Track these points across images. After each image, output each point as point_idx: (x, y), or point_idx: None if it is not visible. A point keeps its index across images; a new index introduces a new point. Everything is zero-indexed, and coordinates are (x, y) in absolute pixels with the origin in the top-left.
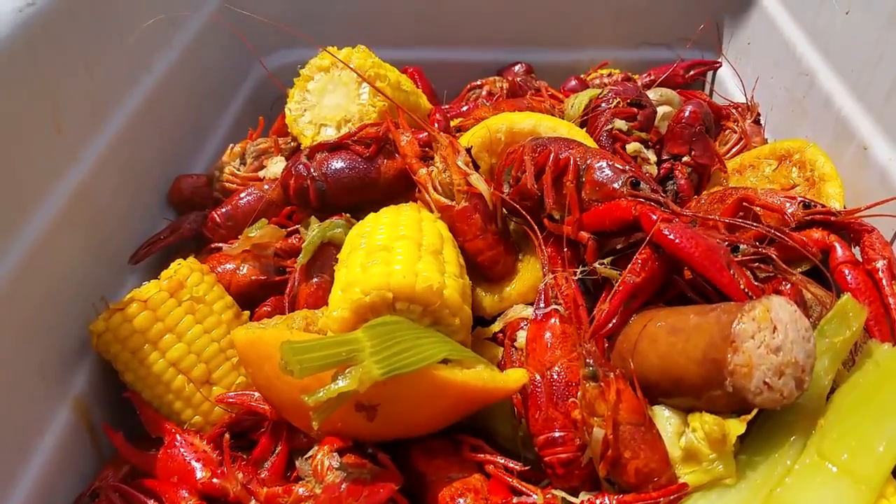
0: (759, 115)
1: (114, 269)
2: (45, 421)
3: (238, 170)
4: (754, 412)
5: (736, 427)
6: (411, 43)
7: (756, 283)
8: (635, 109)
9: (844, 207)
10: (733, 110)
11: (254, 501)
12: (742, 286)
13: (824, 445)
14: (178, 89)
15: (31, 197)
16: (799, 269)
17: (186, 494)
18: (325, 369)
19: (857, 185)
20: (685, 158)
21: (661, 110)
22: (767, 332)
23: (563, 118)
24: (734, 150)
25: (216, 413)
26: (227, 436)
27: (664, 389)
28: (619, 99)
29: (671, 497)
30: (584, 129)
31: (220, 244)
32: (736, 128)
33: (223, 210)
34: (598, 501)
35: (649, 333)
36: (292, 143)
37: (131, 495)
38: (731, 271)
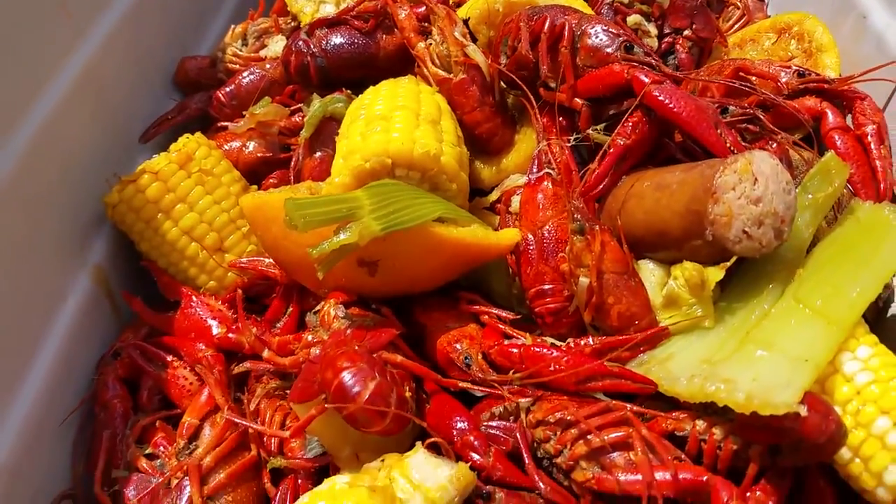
0: None
1: (124, 147)
2: (66, 288)
3: (240, 51)
4: (733, 259)
5: (715, 273)
6: None
7: (743, 144)
8: None
9: (846, 76)
10: None
11: (267, 350)
12: (728, 144)
13: (801, 292)
14: None
15: (40, 76)
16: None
17: (204, 347)
18: (327, 224)
19: (854, 55)
20: (686, 32)
21: None
22: (748, 184)
23: None
24: (736, 25)
25: (229, 278)
26: (239, 291)
27: (649, 244)
28: None
29: (651, 338)
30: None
31: (226, 123)
32: (739, 4)
33: (227, 90)
34: (582, 342)
35: (636, 192)
36: (292, 23)
37: (151, 351)
38: (719, 130)
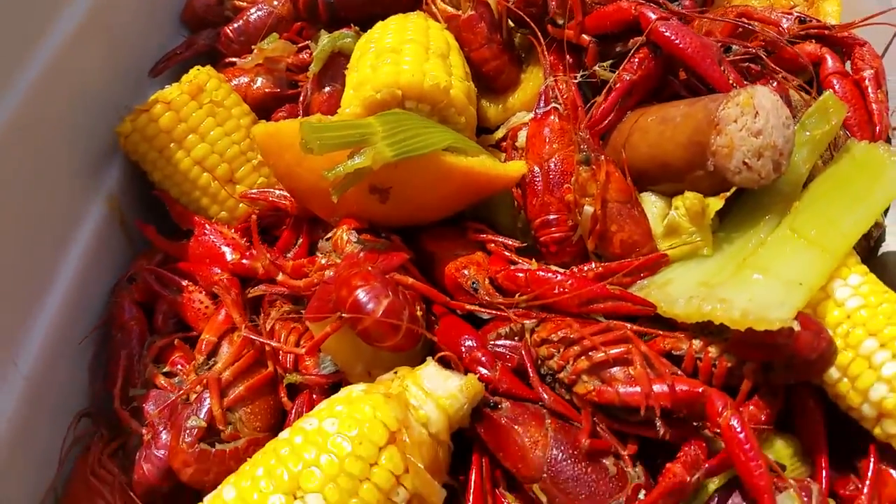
0: None
1: (135, 81)
2: (81, 215)
3: None
4: (733, 189)
5: (714, 203)
6: None
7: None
8: None
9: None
10: None
11: (281, 274)
12: (731, 80)
13: (797, 222)
14: None
15: (50, 11)
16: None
17: (219, 270)
18: (342, 148)
19: (855, 3)
20: None
21: None
22: (749, 117)
23: None
24: None
25: (241, 209)
26: (254, 216)
27: (652, 176)
28: None
29: (651, 264)
30: None
31: (234, 59)
32: None
33: (235, 25)
34: (585, 268)
35: (641, 125)
36: None
37: (166, 276)
38: (722, 67)
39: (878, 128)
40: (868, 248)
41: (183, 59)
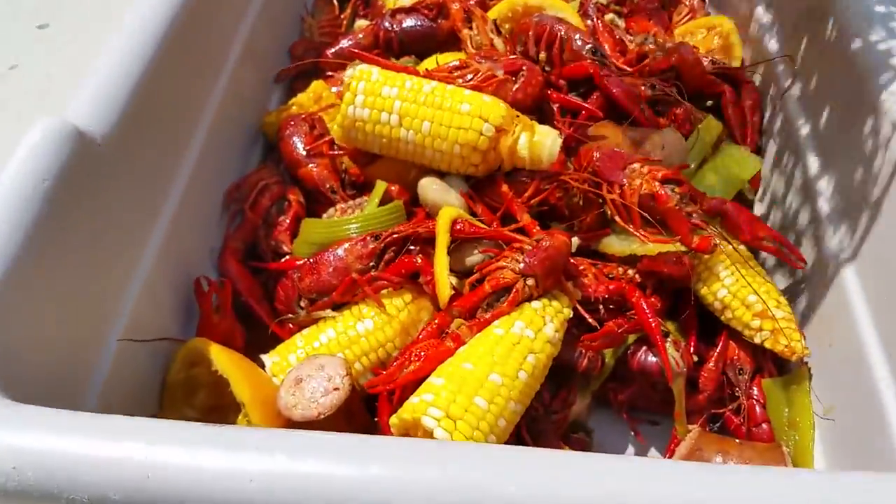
0: None
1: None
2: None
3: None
4: None
5: None
6: None
7: (659, 115)
8: None
9: (742, 64)
10: None
11: None
12: (646, 115)
13: None
14: None
15: (225, 49)
16: (707, 104)
17: None
18: None
19: (751, 51)
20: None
21: None
22: (659, 149)
23: None
24: (684, 20)
25: None
26: None
27: None
28: None
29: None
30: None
31: (332, 73)
32: (687, 3)
33: (333, 50)
34: None
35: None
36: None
37: None
38: (641, 107)
39: (749, 139)
40: None
41: (295, 73)
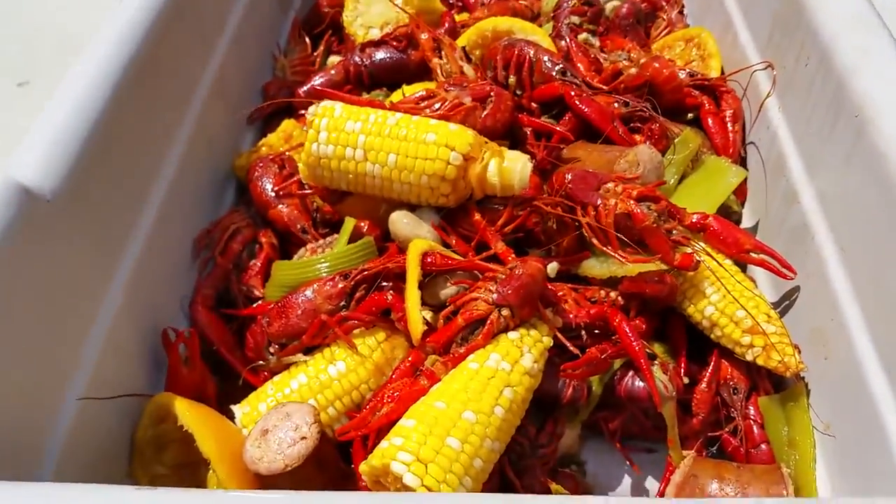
0: (683, 6)
1: (238, 130)
2: (218, 211)
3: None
4: None
5: None
6: None
7: (634, 132)
8: (586, 8)
9: (722, 74)
10: (664, 3)
11: None
12: (620, 133)
13: None
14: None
15: (189, 86)
16: (689, 116)
17: None
18: None
19: (730, 61)
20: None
21: (609, 6)
22: (633, 167)
23: (539, 13)
24: (663, 33)
25: None
26: None
27: None
28: None
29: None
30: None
31: (303, 111)
32: (665, 17)
33: (304, 89)
34: None
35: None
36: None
37: None
38: (615, 124)
39: (731, 149)
40: None
41: (269, 111)
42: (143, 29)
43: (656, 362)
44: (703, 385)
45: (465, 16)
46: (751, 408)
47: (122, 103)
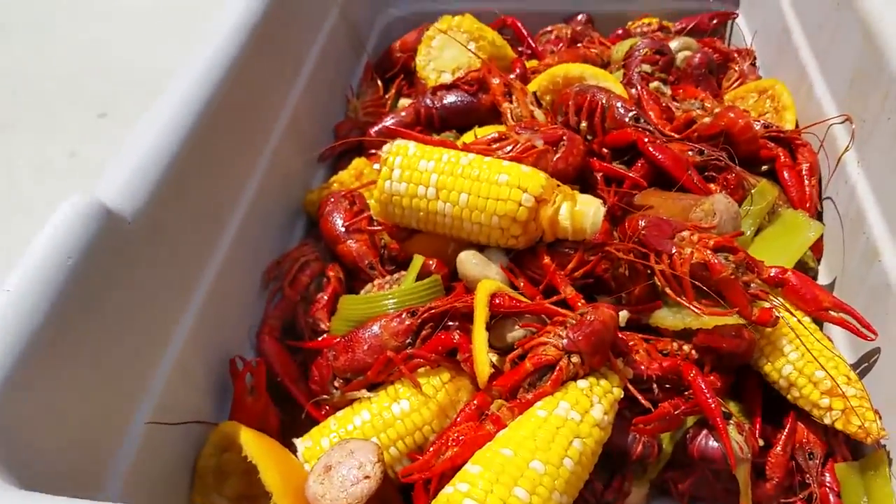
0: (755, 58)
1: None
2: (287, 246)
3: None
4: None
5: None
6: None
7: (709, 181)
8: (658, 57)
9: (797, 126)
10: (735, 54)
11: None
12: (695, 181)
13: None
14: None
15: (270, 125)
16: (763, 168)
17: None
18: None
19: (805, 113)
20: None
21: (680, 55)
22: (710, 216)
23: (610, 61)
24: (734, 85)
25: None
26: None
27: None
28: (647, 48)
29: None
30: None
31: (374, 150)
32: (736, 68)
33: (375, 129)
34: None
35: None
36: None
37: None
38: (690, 173)
39: (808, 203)
40: None
41: (341, 150)
42: (226, 67)
43: (732, 421)
44: (779, 448)
45: (534, 62)
46: (827, 474)
47: (204, 136)
